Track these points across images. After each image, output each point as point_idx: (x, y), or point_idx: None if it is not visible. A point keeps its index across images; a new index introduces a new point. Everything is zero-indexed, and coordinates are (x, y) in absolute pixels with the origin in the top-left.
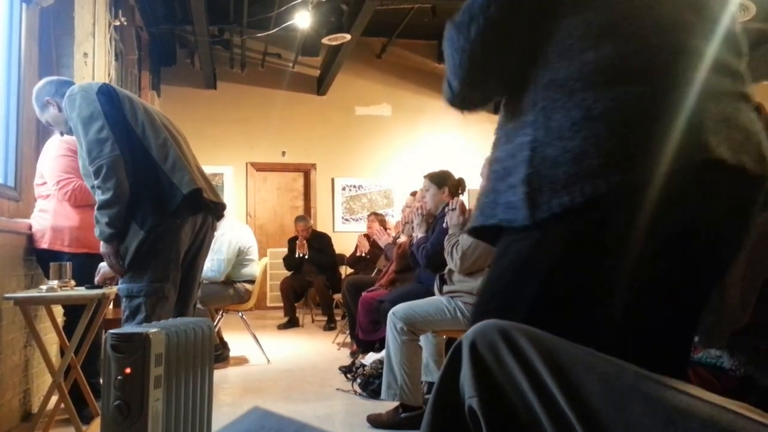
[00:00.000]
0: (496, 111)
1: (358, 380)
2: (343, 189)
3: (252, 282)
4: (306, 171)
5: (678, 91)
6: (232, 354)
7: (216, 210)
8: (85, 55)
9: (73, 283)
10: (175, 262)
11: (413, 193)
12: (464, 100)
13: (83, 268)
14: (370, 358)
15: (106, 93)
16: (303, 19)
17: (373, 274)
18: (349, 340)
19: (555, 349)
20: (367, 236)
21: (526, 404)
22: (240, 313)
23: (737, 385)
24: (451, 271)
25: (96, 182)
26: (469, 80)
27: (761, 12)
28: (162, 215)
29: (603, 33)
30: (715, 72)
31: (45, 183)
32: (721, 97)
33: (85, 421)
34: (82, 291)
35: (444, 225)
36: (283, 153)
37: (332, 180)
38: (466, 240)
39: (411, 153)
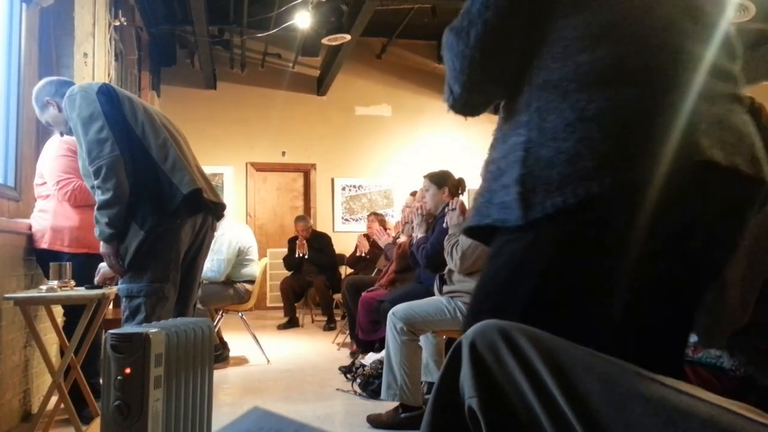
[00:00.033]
0: (496, 111)
1: (358, 380)
2: (343, 189)
3: (252, 282)
4: (306, 171)
5: (673, 93)
6: (232, 354)
7: (216, 210)
8: (85, 55)
9: (72, 283)
10: (175, 262)
11: (413, 193)
12: (466, 105)
13: (83, 268)
14: (370, 358)
15: (106, 93)
16: (303, 20)
17: (372, 274)
18: (348, 340)
19: (555, 349)
20: (366, 236)
21: (526, 404)
22: (240, 313)
23: (737, 385)
24: (450, 271)
25: (96, 182)
26: (470, 84)
27: (761, 12)
28: (162, 215)
29: (601, 33)
30: (709, 75)
31: (45, 183)
32: (715, 100)
33: (85, 422)
34: (81, 291)
35: (444, 225)
36: (283, 153)
37: (332, 180)
38: (465, 240)
39: (411, 153)
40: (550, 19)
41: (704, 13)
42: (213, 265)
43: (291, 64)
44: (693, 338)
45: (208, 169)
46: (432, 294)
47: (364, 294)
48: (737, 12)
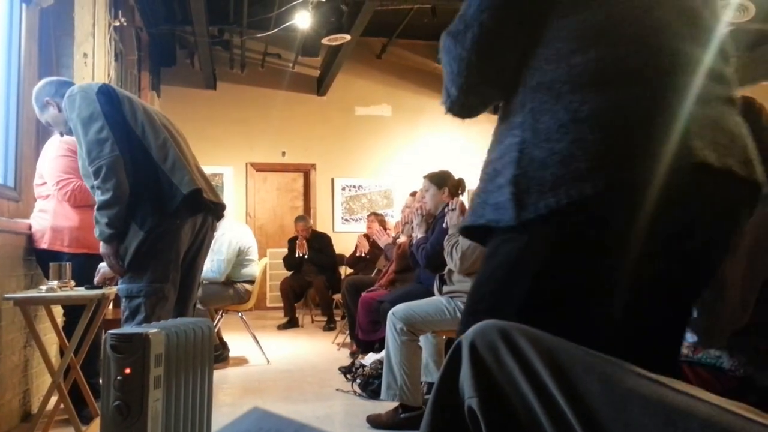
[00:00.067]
0: (495, 112)
1: (358, 380)
2: (343, 189)
3: (252, 282)
4: (306, 171)
5: (669, 95)
6: (231, 354)
7: (216, 210)
8: (85, 55)
9: (72, 283)
10: (174, 262)
11: (413, 194)
12: (463, 107)
13: (83, 268)
14: (370, 358)
15: (105, 93)
16: (303, 20)
17: (372, 275)
18: (348, 340)
19: (555, 350)
20: (366, 236)
21: (525, 404)
22: (240, 314)
23: (737, 385)
24: (450, 272)
25: (96, 183)
26: (467, 87)
27: (761, 12)
28: (162, 215)
29: (597, 34)
30: (704, 77)
31: (45, 183)
32: (709, 102)
33: (84, 422)
34: (81, 291)
35: (444, 225)
36: (283, 153)
37: (332, 180)
38: (465, 240)
39: (411, 153)
40: (547, 20)
41: (699, 16)
42: (213, 265)
43: (291, 64)
44: (693, 338)
45: (208, 170)
46: (432, 294)
47: (363, 294)
48: (737, 12)
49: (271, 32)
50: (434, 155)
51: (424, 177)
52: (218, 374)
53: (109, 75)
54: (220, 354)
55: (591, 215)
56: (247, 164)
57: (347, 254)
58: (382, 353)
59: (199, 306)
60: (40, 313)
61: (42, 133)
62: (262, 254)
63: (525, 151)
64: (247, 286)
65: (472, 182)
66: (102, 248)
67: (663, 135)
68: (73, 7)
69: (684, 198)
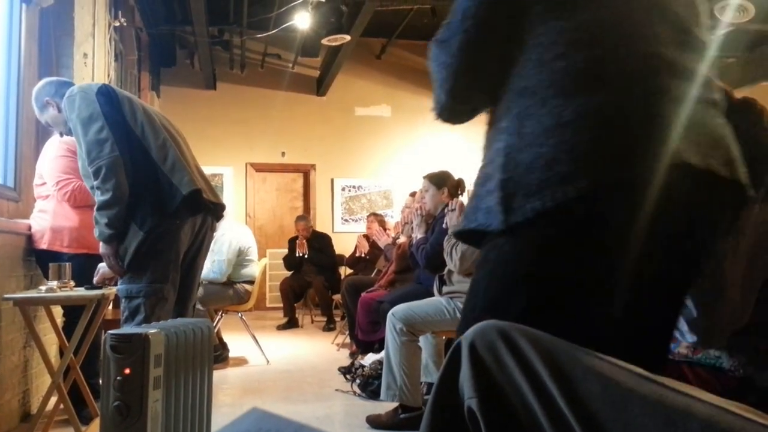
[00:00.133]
0: None
1: (358, 381)
2: (343, 189)
3: (251, 282)
4: (305, 171)
5: (650, 97)
6: (231, 355)
7: (215, 211)
8: (85, 55)
9: (72, 283)
10: (174, 262)
11: (412, 194)
12: (452, 113)
13: (83, 268)
14: (370, 358)
15: (105, 94)
16: (303, 20)
17: (372, 275)
18: (348, 340)
19: (554, 350)
20: (366, 237)
21: (525, 405)
22: (239, 314)
23: (737, 385)
24: (450, 272)
25: (95, 183)
26: (454, 94)
27: (760, 13)
28: (161, 216)
29: (579, 38)
30: (683, 79)
31: (44, 183)
32: (691, 104)
33: (84, 422)
34: (81, 292)
35: (443, 226)
36: (283, 153)
37: (332, 180)
38: None
39: (410, 153)
40: (530, 26)
41: (681, 20)
42: (214, 266)
43: (291, 65)
44: (693, 338)
45: (207, 170)
46: (431, 295)
47: (363, 294)
48: (736, 13)
49: (270, 32)
50: (434, 155)
51: (424, 177)
52: (218, 374)
53: (108, 75)
54: (219, 354)
55: (577, 217)
56: (246, 164)
57: (347, 255)
58: (382, 354)
59: (198, 306)
60: (40, 313)
61: (42, 134)
62: (261, 254)
63: (511, 155)
64: (247, 287)
65: (472, 182)
66: (102, 248)
67: (646, 137)
68: (73, 7)
69: (666, 200)
